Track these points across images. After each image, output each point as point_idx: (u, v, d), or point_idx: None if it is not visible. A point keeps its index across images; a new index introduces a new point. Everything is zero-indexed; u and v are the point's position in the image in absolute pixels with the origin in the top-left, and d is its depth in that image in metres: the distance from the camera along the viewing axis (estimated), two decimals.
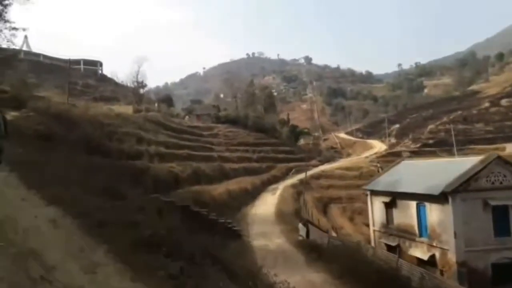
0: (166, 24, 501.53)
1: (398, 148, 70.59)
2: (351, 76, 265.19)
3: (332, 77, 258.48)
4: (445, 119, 77.02)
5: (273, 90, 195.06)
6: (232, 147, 65.37)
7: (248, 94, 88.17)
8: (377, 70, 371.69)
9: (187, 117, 76.83)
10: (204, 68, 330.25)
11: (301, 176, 61.31)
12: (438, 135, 71.34)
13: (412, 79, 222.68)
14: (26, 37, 79.67)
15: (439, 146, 67.08)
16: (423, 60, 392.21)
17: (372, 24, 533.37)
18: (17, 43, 27.90)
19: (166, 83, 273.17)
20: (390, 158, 66.09)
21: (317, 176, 60.63)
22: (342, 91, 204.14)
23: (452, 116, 77.93)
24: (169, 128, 56.67)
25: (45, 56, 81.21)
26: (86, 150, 22.73)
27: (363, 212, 51.01)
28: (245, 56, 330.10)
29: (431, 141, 69.40)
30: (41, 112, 28.07)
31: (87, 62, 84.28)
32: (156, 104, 72.15)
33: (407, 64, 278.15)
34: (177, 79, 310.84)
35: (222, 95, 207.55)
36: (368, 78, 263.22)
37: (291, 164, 67.36)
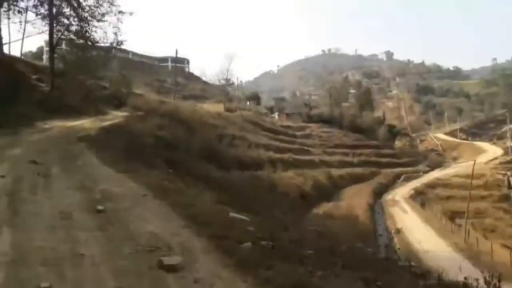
0: (239, 23, 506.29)
1: None
2: (438, 71, 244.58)
3: (417, 73, 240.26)
4: None
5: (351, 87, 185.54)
6: (329, 149, 59.38)
7: (341, 90, 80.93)
8: (465, 65, 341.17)
9: (276, 115, 72.33)
10: (278, 65, 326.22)
11: (413, 184, 53.81)
12: None
13: (510, 75, 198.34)
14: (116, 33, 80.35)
15: None
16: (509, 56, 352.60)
17: (461, 16, 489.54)
18: (110, 37, 24.54)
19: (241, 82, 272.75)
20: None
21: (432, 185, 52.47)
22: (430, 88, 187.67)
23: None
24: (265, 129, 52.28)
25: (134, 53, 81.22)
26: (205, 158, 18.41)
27: (497, 230, 42.53)
28: (320, 53, 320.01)
29: None
30: (147, 112, 24.45)
31: (175, 60, 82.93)
32: (248, 103, 68.57)
33: (502, 58, 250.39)
34: (251, 78, 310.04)
35: (298, 93, 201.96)
36: (456, 74, 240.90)
37: (397, 170, 59.66)
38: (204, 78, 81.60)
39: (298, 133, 62.49)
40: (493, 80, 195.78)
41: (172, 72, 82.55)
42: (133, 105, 34.26)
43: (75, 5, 23.26)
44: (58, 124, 17.75)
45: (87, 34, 23.92)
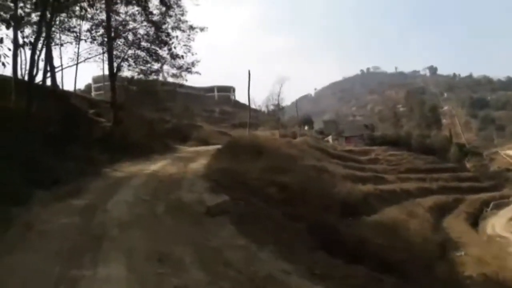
0: (273, 50, 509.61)
1: None
2: (488, 83, 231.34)
3: (465, 86, 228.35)
4: None
5: (399, 105, 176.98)
6: (402, 175, 52.83)
7: (407, 109, 74.56)
8: None
9: (330, 139, 66.85)
10: (315, 88, 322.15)
11: (508, 212, 46.28)
12: None
13: None
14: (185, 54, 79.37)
15: None
16: None
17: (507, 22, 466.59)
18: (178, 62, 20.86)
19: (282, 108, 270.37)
20: None
21: None
22: (485, 101, 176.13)
23: None
24: (333, 155, 46.96)
25: (179, 85, 79.13)
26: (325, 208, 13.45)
27: None
28: (359, 73, 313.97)
29: None
30: (228, 146, 19.93)
31: (221, 89, 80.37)
32: (306, 127, 63.81)
33: None
34: (288, 102, 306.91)
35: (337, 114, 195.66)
36: (509, 84, 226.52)
37: (481, 196, 52.09)
38: (252, 106, 77.98)
39: (362, 158, 56.51)
40: None
41: (218, 102, 79.82)
42: (198, 138, 30.38)
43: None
44: (133, 170, 13.53)
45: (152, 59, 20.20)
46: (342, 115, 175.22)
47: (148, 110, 24.56)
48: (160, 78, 20.58)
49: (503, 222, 42.04)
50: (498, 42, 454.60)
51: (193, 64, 20.28)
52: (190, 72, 20.36)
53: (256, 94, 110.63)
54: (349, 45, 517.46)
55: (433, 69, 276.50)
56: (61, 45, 21.39)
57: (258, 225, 7.94)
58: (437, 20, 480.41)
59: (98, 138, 17.67)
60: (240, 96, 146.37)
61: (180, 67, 20.23)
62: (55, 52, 28.66)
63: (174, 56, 19.77)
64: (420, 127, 70.48)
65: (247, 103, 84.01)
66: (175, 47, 19.69)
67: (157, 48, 19.57)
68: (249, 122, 70.56)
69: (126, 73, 20.05)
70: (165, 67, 20.16)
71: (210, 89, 77.52)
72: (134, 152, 17.45)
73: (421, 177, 53.37)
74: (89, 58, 20.83)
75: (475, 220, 44.08)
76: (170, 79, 20.92)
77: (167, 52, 19.54)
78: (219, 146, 21.26)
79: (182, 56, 19.72)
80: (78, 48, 24.31)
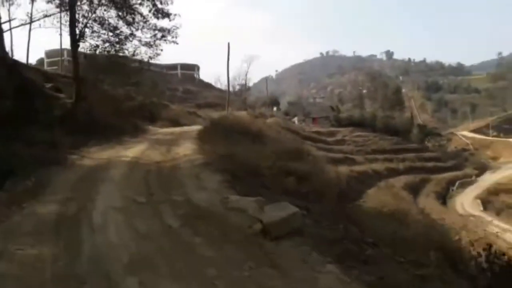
0: (239, 30, 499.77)
1: None
2: (441, 68, 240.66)
3: (419, 71, 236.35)
4: None
5: (359, 87, 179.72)
6: (369, 156, 52.96)
7: (371, 90, 74.74)
8: (467, 61, 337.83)
9: (296, 120, 65.87)
10: (276, 70, 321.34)
11: (471, 191, 47.59)
12: None
13: None
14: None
15: None
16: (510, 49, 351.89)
17: (460, 11, 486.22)
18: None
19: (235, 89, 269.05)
20: None
21: (495, 191, 46.18)
22: (439, 85, 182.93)
23: None
24: (304, 137, 45.89)
25: (141, 61, 74.69)
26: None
27: None
28: (319, 56, 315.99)
29: None
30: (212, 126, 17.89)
31: (184, 67, 76.81)
32: (275, 108, 62.33)
33: (506, 51, 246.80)
34: (250, 83, 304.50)
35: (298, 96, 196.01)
36: (459, 70, 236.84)
37: (445, 175, 53.32)
38: (218, 85, 75.39)
39: (330, 139, 56.13)
40: (500, 74, 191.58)
41: (181, 80, 76.33)
42: (168, 118, 27.98)
43: None
44: (105, 156, 11.29)
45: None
46: (303, 97, 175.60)
47: (113, 86, 21.77)
48: (130, 49, 17.87)
49: (470, 201, 43.11)
50: (450, 30, 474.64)
51: (170, 31, 17.69)
52: (166, 40, 17.78)
53: (221, 74, 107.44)
54: (309, 28, 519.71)
55: (389, 54, 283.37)
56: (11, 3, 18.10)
57: (346, 252, 5.54)
58: (394, 6, 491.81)
59: (60, 117, 15.09)
60: (205, 75, 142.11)
61: (161, 30, 17.46)
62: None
63: (158, 13, 16.88)
64: (383, 108, 71.08)
65: (212, 82, 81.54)
66: (161, 2, 16.89)
67: (137, 4, 16.63)
68: (214, 103, 68.46)
69: (89, 41, 17.24)
70: (138, 33, 17.49)
71: (173, 67, 73.69)
72: (101, 133, 15.02)
73: (388, 158, 53.78)
74: (47, 16, 17.61)
75: (443, 199, 44.95)
76: (142, 50, 18.19)
77: (150, 8, 16.74)
78: (197, 128, 19.20)
79: (168, 15, 17.03)
80: (32, 7, 21.14)
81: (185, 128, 21.82)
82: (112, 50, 17.53)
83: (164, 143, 14.62)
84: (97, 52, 17.53)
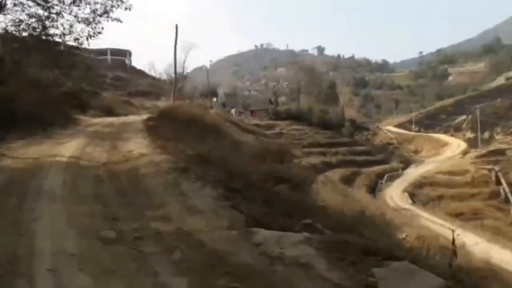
0: (171, 18, 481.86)
1: (497, 145, 59.02)
2: (367, 65, 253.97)
3: (348, 66, 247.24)
4: None
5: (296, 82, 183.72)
6: (305, 149, 53.83)
7: (308, 85, 75.79)
8: (391, 58, 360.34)
9: (233, 112, 65.03)
10: (211, 61, 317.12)
11: (398, 184, 50.25)
12: None
13: (435, 67, 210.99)
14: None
15: None
16: (431, 48, 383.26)
17: (386, 11, 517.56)
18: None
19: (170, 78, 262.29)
20: (493, 157, 54.87)
21: (419, 185, 49.18)
22: (365, 81, 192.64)
23: None
24: (244, 129, 45.23)
25: (65, 45, 68.57)
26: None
27: (500, 232, 40.03)
28: (253, 48, 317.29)
29: None
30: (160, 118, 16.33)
31: (115, 52, 71.96)
32: (214, 99, 60.65)
33: (426, 51, 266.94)
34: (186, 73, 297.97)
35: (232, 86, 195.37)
36: (384, 67, 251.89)
37: (375, 168, 55.86)
38: (152, 73, 71.90)
39: (268, 132, 56.16)
40: (421, 72, 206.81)
41: (111, 66, 71.49)
42: (100, 106, 25.55)
43: None
44: (34, 155, 9.31)
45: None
46: (238, 89, 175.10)
47: (40, 69, 19.06)
48: (64, 25, 15.47)
49: (398, 194, 45.43)
50: (376, 29, 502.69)
51: (114, 5, 15.36)
52: (108, 17, 15.56)
53: (155, 60, 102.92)
54: (245, 20, 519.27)
55: (320, 49, 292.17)
56: None
57: None
58: (326, 3, 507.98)
59: None
60: (137, 62, 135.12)
61: (103, 4, 15.13)
62: None
63: None
64: (319, 103, 72.72)
65: (144, 69, 77.53)
66: None
67: None
68: (148, 91, 65.12)
69: (11, 15, 14.60)
70: (74, 8, 15.09)
71: (103, 52, 68.56)
72: (25, 125, 12.86)
73: (322, 151, 55.17)
74: None
75: (373, 192, 46.93)
76: (78, 27, 15.81)
77: None
78: (139, 118, 17.48)
79: None
80: None
81: (124, 119, 19.90)
82: (40, 26, 15.06)
83: (106, 137, 12.83)
84: (21, 28, 14.99)
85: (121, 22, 16.36)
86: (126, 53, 75.08)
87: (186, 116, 15.58)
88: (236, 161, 9.12)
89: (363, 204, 26.17)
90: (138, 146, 10.78)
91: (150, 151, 9.91)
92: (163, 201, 6.73)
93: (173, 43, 34.29)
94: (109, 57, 70.65)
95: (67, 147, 10.39)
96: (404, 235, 16.74)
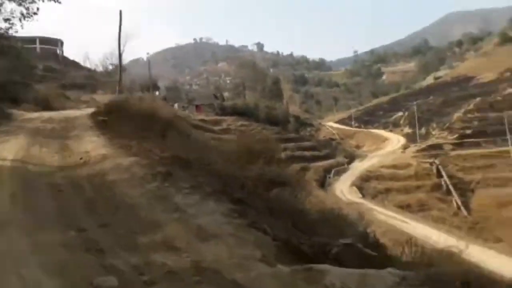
0: (105, 7, 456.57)
1: (435, 140, 62.15)
2: (306, 62, 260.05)
3: (287, 64, 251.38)
4: (471, 106, 70.28)
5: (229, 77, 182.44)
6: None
7: (253, 81, 74.65)
8: (328, 57, 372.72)
9: (176, 106, 62.32)
10: (148, 53, 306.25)
11: (346, 178, 51.04)
12: (472, 124, 64.24)
13: (369, 66, 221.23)
14: None
15: (479, 137, 59.86)
16: (365, 48, 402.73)
17: (323, 10, 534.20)
18: None
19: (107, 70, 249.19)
20: (432, 151, 57.80)
21: (365, 178, 50.36)
22: (305, 78, 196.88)
23: (473, 103, 71.50)
24: (192, 125, 42.98)
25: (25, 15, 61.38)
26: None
27: (446, 221, 42.05)
28: (192, 41, 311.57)
29: (468, 131, 62.00)
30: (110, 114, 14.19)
31: (44, 41, 65.83)
32: (157, 93, 57.25)
33: (361, 50, 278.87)
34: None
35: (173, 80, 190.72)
36: (321, 65, 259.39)
37: (321, 163, 56.38)
38: (87, 64, 66.70)
39: (216, 128, 54.56)
40: (356, 70, 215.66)
41: (41, 56, 65.23)
42: (35, 100, 22.38)
43: None
44: None
45: None
46: (179, 83, 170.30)
47: None
48: None
49: (347, 188, 46.00)
50: (314, 28, 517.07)
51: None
52: None
53: (90, 51, 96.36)
54: (183, 13, 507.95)
55: (260, 45, 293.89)
56: None
57: None
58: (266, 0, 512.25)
59: None
60: (69, 52, 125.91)
61: None
62: None
63: None
64: (263, 99, 72.19)
65: (78, 60, 71.83)
66: None
67: None
68: (83, 83, 60.28)
69: None
70: None
71: (31, 40, 62.27)
72: None
73: None
74: None
75: (322, 186, 47.13)
76: (8, 6, 13.21)
77: None
78: (82, 113, 15.14)
79: None
80: None
81: (65, 114, 17.28)
82: None
83: (51, 135, 10.57)
84: None
85: (59, 2, 14.14)
86: (57, 42, 68.98)
87: (138, 111, 13.54)
88: (219, 163, 7.59)
89: (322, 200, 25.62)
90: (93, 146, 8.79)
91: (111, 152, 8.01)
92: (155, 220, 5.07)
93: (117, 31, 31.63)
94: (38, 46, 64.43)
95: (7, 148, 8.15)
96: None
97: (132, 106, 14.42)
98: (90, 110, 17.04)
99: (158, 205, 5.58)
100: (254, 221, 5.17)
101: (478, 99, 74.13)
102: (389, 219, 29.23)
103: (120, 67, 31.59)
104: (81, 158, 7.52)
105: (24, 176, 6.28)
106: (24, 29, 15.70)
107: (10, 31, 14.50)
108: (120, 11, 31.61)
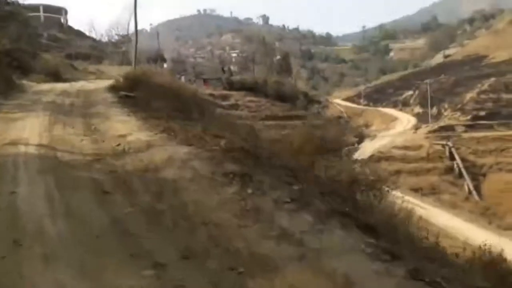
0: None
1: (447, 121, 60.73)
2: (312, 37, 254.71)
3: (293, 38, 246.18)
4: (486, 86, 68.43)
5: (237, 51, 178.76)
6: (265, 122, 51.78)
7: (263, 55, 72.71)
8: (335, 32, 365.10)
9: (183, 79, 60.82)
10: (151, 24, 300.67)
11: (358, 158, 49.97)
12: (485, 106, 62.63)
13: (377, 42, 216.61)
14: None
15: (493, 119, 58.50)
16: (373, 23, 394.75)
17: None
18: None
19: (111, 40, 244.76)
20: (444, 133, 56.55)
21: (376, 159, 49.35)
22: (310, 53, 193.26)
23: (488, 83, 69.59)
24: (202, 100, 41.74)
25: None
26: None
27: (457, 206, 41.43)
28: (196, 13, 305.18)
29: (481, 113, 60.51)
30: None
31: (48, 9, 63.74)
32: (165, 65, 55.75)
33: (370, 25, 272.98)
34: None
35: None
36: (328, 40, 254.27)
37: None
38: (92, 34, 64.81)
39: (224, 103, 53.29)
40: (364, 46, 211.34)
41: (45, 25, 63.29)
42: (45, 70, 21.14)
43: None
44: None
45: None
46: (183, 56, 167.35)
47: None
48: None
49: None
50: (320, 1, 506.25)
51: None
52: None
53: (96, 21, 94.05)
54: None
55: (265, 18, 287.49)
56: None
57: None
58: None
59: None
60: (74, 21, 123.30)
61: None
62: None
63: None
64: (272, 74, 70.46)
65: (82, 29, 69.85)
66: None
67: None
68: (89, 54, 58.64)
69: None
70: None
71: (34, 8, 60.22)
72: None
73: (280, 124, 53.26)
74: None
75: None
76: None
77: None
78: (97, 86, 13.99)
79: None
80: None
81: (78, 86, 16.17)
82: None
83: (71, 111, 9.45)
84: None
85: None
86: (61, 11, 66.85)
87: (161, 85, 12.30)
88: (284, 156, 6.42)
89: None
90: (127, 128, 7.58)
91: (152, 137, 6.78)
92: (261, 255, 3.58)
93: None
94: (41, 14, 62.38)
95: (26, 127, 7.01)
96: None
97: (149, 80, 13.24)
98: (105, 83, 15.87)
99: (254, 226, 4.13)
100: (416, 268, 3.51)
101: (492, 79, 72.04)
102: (406, 204, 28.31)
103: (136, 36, 29.88)
104: (118, 144, 6.34)
105: (56, 168, 5.11)
106: None
107: None
108: None
